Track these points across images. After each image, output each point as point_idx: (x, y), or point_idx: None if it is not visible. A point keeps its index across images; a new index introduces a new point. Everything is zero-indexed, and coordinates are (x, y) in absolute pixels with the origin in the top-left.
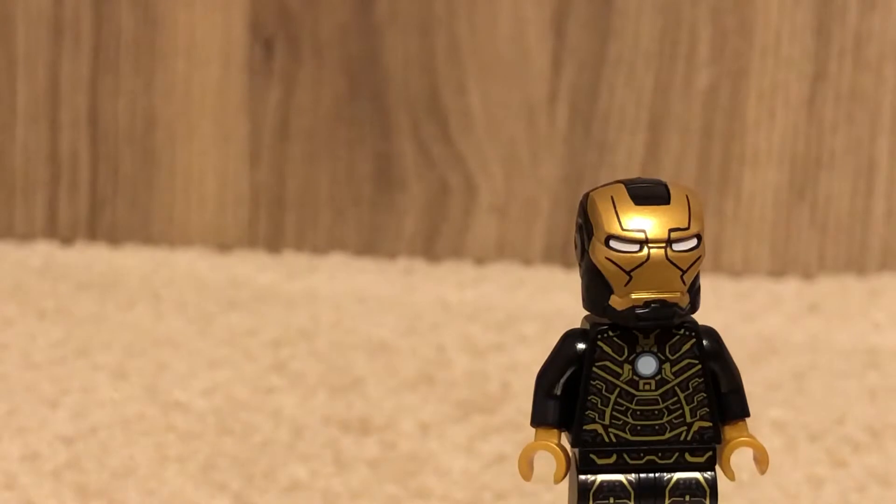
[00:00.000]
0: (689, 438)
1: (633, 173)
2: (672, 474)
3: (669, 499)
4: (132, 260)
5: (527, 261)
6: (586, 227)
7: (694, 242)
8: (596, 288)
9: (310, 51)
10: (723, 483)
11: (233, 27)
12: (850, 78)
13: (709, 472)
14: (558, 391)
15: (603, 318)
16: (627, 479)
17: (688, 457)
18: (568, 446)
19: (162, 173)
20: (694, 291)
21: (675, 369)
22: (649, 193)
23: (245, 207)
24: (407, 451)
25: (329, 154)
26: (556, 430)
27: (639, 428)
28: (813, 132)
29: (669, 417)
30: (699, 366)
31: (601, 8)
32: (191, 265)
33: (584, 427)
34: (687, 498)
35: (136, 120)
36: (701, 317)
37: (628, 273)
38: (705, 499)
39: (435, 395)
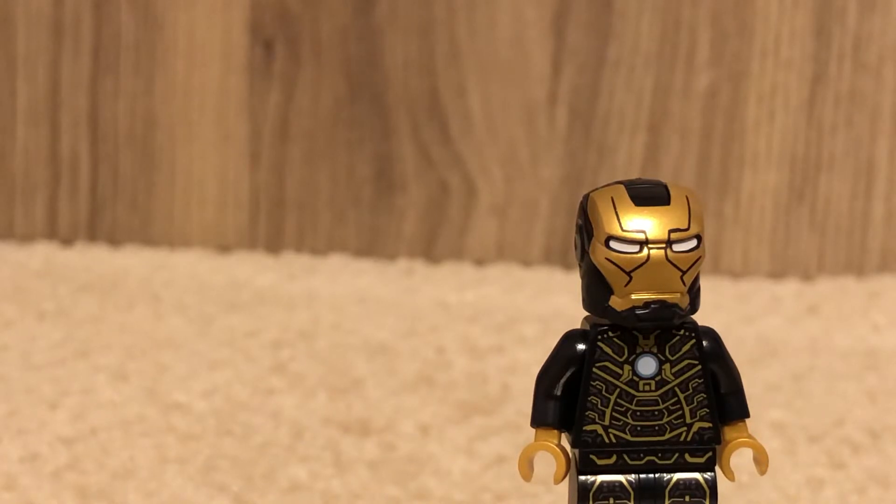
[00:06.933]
0: (688, 439)
1: (633, 175)
2: (672, 475)
3: (669, 499)
4: (132, 261)
5: (526, 262)
6: (586, 227)
7: (694, 243)
8: (596, 288)
9: (310, 52)
10: (722, 484)
11: (233, 29)
12: (849, 80)
13: (709, 473)
14: (558, 392)
15: (603, 318)
16: (627, 480)
17: (688, 457)
18: (568, 447)
19: (162, 175)
20: (694, 292)
21: (674, 370)
22: (649, 194)
23: (245, 209)
24: (407, 452)
25: (329, 155)
26: (556, 431)
27: (639, 429)
28: (812, 134)
29: (669, 418)
30: (699, 366)
31: (601, 10)
32: (191, 266)
33: (584, 428)
34: (687, 499)
35: (136, 121)
36: (701, 318)
37: (628, 274)
38: (705, 499)
39: (435, 397)
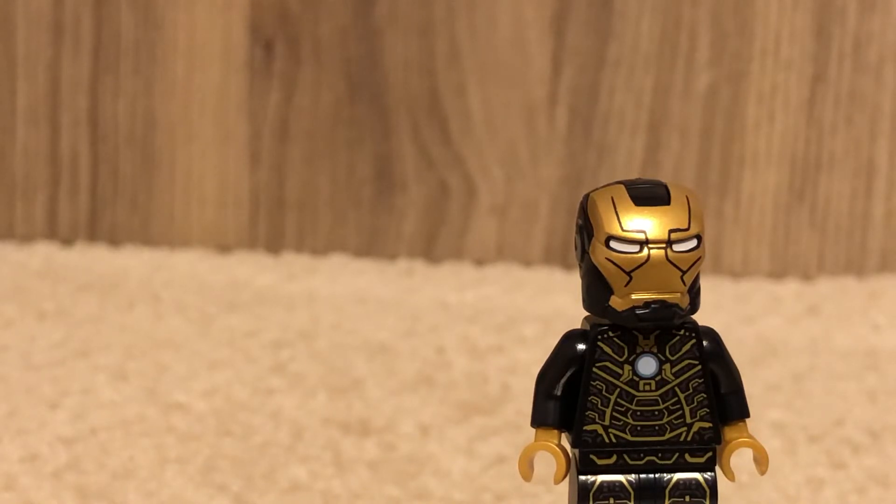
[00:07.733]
0: (689, 439)
1: (633, 175)
2: (672, 475)
3: (669, 499)
4: (132, 261)
5: (526, 262)
6: (586, 227)
7: (694, 243)
8: (596, 288)
9: (310, 52)
10: (723, 484)
11: (233, 29)
12: (849, 80)
13: (709, 473)
14: (558, 392)
15: (603, 318)
16: (627, 480)
17: (688, 457)
18: (568, 447)
19: (162, 174)
20: (694, 292)
21: (675, 370)
22: (649, 194)
23: (245, 209)
24: (407, 452)
25: (329, 155)
26: (556, 431)
27: (639, 428)
28: (812, 134)
29: (669, 418)
30: (699, 366)
31: (601, 10)
32: (191, 266)
33: (585, 428)
34: (687, 499)
35: (136, 121)
36: (701, 318)
37: (628, 274)
38: (705, 499)
39: (435, 397)
